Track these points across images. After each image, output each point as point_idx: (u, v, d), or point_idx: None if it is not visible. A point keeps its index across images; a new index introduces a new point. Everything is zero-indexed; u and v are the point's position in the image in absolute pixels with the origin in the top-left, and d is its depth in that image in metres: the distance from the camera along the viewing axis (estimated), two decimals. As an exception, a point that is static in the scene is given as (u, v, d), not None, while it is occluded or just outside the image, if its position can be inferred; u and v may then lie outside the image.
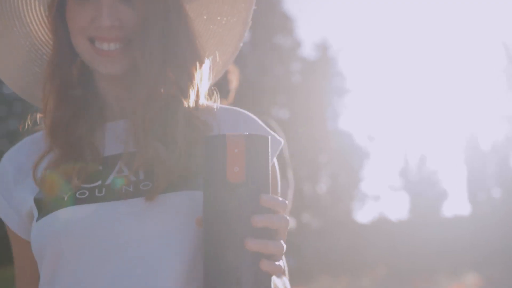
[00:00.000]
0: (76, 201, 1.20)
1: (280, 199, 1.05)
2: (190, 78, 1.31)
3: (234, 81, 2.34)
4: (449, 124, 41.44)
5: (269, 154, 1.02)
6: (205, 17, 1.41)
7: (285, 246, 1.06)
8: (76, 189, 1.22)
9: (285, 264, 1.56)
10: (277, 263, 1.04)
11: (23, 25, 1.37)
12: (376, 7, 46.67)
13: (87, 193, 1.22)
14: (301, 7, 44.41)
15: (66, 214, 1.19)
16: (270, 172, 1.03)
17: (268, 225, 1.02)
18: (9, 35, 1.37)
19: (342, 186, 27.19)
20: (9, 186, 1.32)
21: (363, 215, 34.91)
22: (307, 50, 29.12)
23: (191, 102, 1.30)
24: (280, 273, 1.07)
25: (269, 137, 1.04)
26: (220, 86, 2.30)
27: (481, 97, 41.04)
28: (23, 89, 1.41)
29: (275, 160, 1.29)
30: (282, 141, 1.25)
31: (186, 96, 1.29)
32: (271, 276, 1.03)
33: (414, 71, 45.46)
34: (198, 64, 1.33)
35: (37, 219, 1.23)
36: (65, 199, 1.21)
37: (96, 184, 1.23)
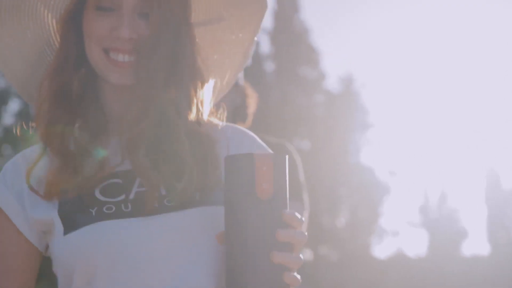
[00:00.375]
0: (104, 216, 1.23)
1: (299, 215, 1.10)
2: (190, 97, 1.33)
3: (252, 106, 2.35)
4: (471, 162, 41.24)
5: (287, 172, 1.09)
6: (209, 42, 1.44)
7: (302, 259, 1.11)
8: (101, 203, 1.25)
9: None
10: (298, 276, 1.09)
11: (37, 25, 1.39)
12: (402, 42, 46.76)
13: (114, 208, 1.24)
14: (327, 40, 44.59)
15: (97, 229, 1.22)
16: (288, 190, 1.09)
17: (290, 240, 1.07)
18: (21, 33, 1.38)
19: (361, 220, 27.09)
20: (23, 192, 1.33)
21: (381, 250, 34.77)
22: (332, 82, 29.23)
23: (192, 119, 1.32)
24: (297, 285, 1.09)
25: (287, 156, 1.09)
26: (238, 110, 2.35)
27: (504, 136, 40.83)
28: (24, 87, 1.42)
29: None
30: (287, 156, 1.28)
31: (185, 114, 1.31)
32: (289, 286, 1.08)
33: (438, 107, 45.40)
34: (199, 84, 1.35)
35: (65, 233, 1.25)
36: (93, 214, 1.23)
37: (120, 198, 1.25)
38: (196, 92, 1.34)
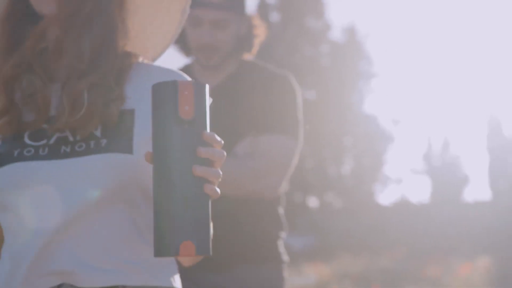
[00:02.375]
0: (22, 158, 1.32)
1: (218, 137, 1.20)
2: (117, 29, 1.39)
3: (260, 36, 2.43)
4: (473, 110, 41.56)
5: (208, 99, 1.21)
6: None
7: (221, 174, 1.20)
8: (25, 146, 1.33)
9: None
10: (216, 187, 1.19)
11: None
12: (407, -8, 46.63)
13: (33, 151, 1.33)
14: (331, -11, 44.52)
15: (9, 169, 1.32)
16: (208, 115, 1.21)
17: (209, 156, 1.17)
18: None
19: (365, 168, 27.54)
20: None
21: (385, 197, 35.28)
22: (337, 33, 29.36)
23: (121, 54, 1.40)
24: (216, 197, 1.20)
25: (207, 85, 1.21)
26: (243, 40, 2.36)
27: (506, 83, 41.07)
28: None
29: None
30: (207, 85, 1.35)
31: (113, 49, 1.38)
32: (210, 198, 1.19)
33: (440, 55, 45.53)
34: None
35: None
36: (15, 155, 1.33)
37: (41, 143, 1.33)
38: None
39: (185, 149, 1.16)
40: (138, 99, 1.38)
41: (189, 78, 1.40)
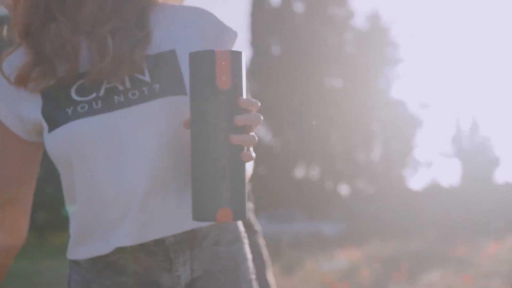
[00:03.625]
0: (78, 115, 1.32)
1: (254, 100, 1.22)
2: None
3: None
4: (503, 90, 41.32)
5: (244, 66, 1.22)
6: None
7: (256, 138, 1.22)
8: (76, 103, 1.33)
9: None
10: (253, 153, 1.22)
11: None
12: (430, -25, 46.46)
13: (86, 106, 1.32)
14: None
15: (71, 128, 1.31)
16: (245, 81, 1.23)
17: (246, 123, 1.20)
18: None
19: (395, 154, 27.62)
20: (12, 95, 1.38)
21: (416, 181, 35.25)
22: (360, 21, 29.38)
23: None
24: (251, 160, 1.23)
25: (243, 52, 1.22)
26: None
27: (535, 64, 40.74)
28: None
29: None
30: (237, 32, 1.44)
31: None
32: (246, 163, 1.24)
33: (466, 36, 45.31)
34: None
35: (49, 131, 1.34)
36: (69, 113, 1.32)
37: (92, 96, 1.33)
38: None
39: (222, 118, 1.18)
40: (174, 40, 1.37)
41: (218, 22, 1.39)
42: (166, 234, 1.36)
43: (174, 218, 1.36)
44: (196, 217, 1.22)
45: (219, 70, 1.18)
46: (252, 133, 1.23)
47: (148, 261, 1.37)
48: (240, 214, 1.22)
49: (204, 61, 1.19)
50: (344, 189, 27.57)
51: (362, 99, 26.56)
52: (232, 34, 1.41)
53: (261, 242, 2.44)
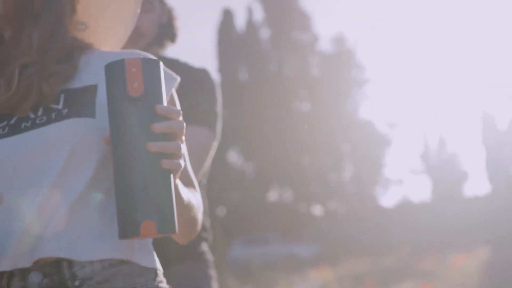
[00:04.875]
0: None
1: (175, 108, 1.16)
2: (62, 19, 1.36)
3: (178, 27, 2.33)
4: (466, 106, 41.99)
5: (162, 74, 1.17)
6: None
7: (182, 146, 1.16)
8: None
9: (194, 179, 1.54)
10: (176, 161, 1.14)
11: None
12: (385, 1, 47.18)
13: None
14: (316, 4, 45.19)
15: None
16: (164, 90, 1.17)
17: (166, 130, 1.13)
18: None
19: (365, 173, 27.97)
20: None
21: (387, 199, 35.66)
22: (325, 44, 29.88)
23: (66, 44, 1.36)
24: (179, 170, 1.15)
25: (161, 62, 1.18)
26: (164, 29, 2.27)
27: (496, 77, 41.55)
28: None
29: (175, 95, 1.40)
30: (178, 78, 1.38)
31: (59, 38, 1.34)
32: (171, 173, 1.15)
33: (431, 55, 46.05)
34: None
35: None
36: None
37: (2, 124, 1.29)
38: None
39: (139, 126, 1.14)
40: (101, 77, 1.31)
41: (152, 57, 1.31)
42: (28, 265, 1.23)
43: (47, 246, 1.22)
44: (120, 234, 1.15)
45: (130, 76, 1.15)
46: (176, 141, 1.16)
47: None
48: (166, 226, 1.14)
49: (115, 70, 1.16)
50: (317, 211, 27.87)
51: (331, 121, 26.94)
52: (171, 79, 1.36)
53: (212, 273, 2.32)
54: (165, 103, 1.17)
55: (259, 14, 29.00)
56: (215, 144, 2.28)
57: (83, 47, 1.38)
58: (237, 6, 45.15)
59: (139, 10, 1.45)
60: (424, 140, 30.27)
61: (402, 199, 28.38)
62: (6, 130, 1.27)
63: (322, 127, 26.48)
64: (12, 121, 1.28)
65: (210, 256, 2.32)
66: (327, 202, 27.57)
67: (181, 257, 2.24)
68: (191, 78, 2.27)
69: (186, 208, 1.30)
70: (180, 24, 2.32)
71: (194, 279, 2.25)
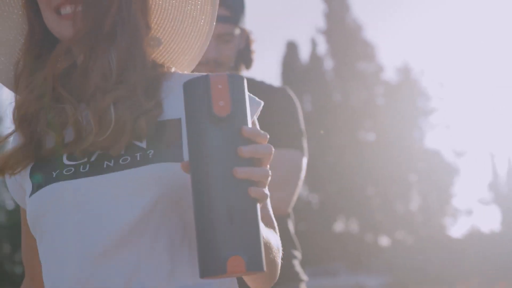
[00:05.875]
0: (62, 177, 1.21)
1: (262, 131, 1.06)
2: (138, 52, 1.27)
3: (255, 51, 2.32)
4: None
5: (247, 92, 1.07)
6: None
7: (270, 172, 1.06)
8: (64, 166, 1.22)
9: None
10: (263, 189, 1.04)
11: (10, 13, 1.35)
12: (453, 24, 46.80)
13: (73, 169, 1.21)
14: (380, 34, 45.18)
15: (51, 190, 1.20)
16: (249, 109, 1.07)
17: (253, 155, 1.03)
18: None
19: (433, 203, 27.66)
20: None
21: (456, 230, 35.10)
22: (390, 73, 29.77)
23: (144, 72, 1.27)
24: (265, 200, 1.05)
25: (245, 77, 1.08)
26: (242, 54, 2.26)
27: None
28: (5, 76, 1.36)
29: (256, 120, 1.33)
30: (262, 102, 1.30)
31: (137, 66, 1.26)
32: (258, 203, 1.04)
33: (496, 83, 45.42)
34: (142, 40, 1.28)
35: (30, 195, 1.24)
36: (54, 175, 1.21)
37: (82, 161, 1.21)
38: (140, 47, 1.27)
39: (224, 150, 1.02)
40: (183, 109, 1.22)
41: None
42: None
43: None
44: (203, 273, 1.02)
45: (215, 94, 1.03)
46: (264, 167, 1.06)
47: None
48: (255, 263, 1.01)
49: (197, 87, 1.05)
50: (384, 241, 27.64)
51: (397, 151, 26.76)
52: (255, 103, 1.29)
53: None
54: (250, 124, 1.07)
55: (322, 46, 29.15)
56: (305, 162, 2.26)
57: (164, 74, 1.31)
58: (301, 39, 45.48)
59: (214, 22, 1.36)
60: (492, 169, 29.72)
61: (471, 228, 27.90)
62: (87, 167, 1.21)
63: (388, 156, 26.32)
64: (93, 158, 1.22)
65: (304, 276, 2.27)
66: (394, 232, 27.30)
67: (278, 280, 2.16)
68: (273, 97, 2.24)
69: (266, 248, 1.18)
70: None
71: None
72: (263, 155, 1.05)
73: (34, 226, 1.25)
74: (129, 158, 1.20)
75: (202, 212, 1.03)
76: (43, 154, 1.25)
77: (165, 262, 1.19)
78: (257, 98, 1.30)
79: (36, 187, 1.24)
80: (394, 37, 46.95)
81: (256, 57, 2.35)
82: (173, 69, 1.35)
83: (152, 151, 1.20)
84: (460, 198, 34.08)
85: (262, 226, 1.06)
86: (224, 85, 1.04)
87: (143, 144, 1.21)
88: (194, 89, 1.05)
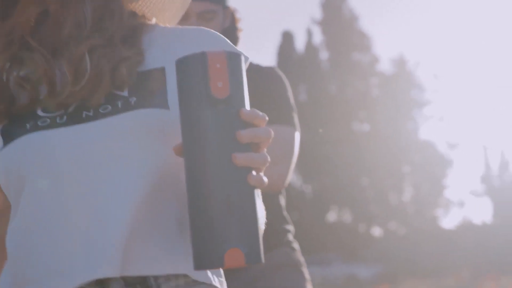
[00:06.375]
0: (36, 128, 1.13)
1: (261, 113, 1.00)
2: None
3: (241, 29, 2.29)
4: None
5: (244, 70, 1.00)
6: None
7: (268, 157, 1.01)
8: (38, 118, 1.15)
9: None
10: (262, 176, 0.99)
11: None
12: (449, 16, 46.90)
13: (48, 121, 1.14)
14: (376, 25, 45.26)
15: (25, 140, 1.13)
16: (247, 90, 1.00)
17: (253, 139, 0.97)
18: None
19: (426, 194, 27.82)
20: None
21: (448, 221, 35.31)
22: (385, 65, 29.86)
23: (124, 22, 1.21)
24: (263, 187, 0.99)
25: (242, 54, 1.02)
26: (227, 33, 2.22)
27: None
28: None
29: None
30: (249, 58, 1.23)
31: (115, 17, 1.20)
32: (255, 189, 0.98)
33: (491, 75, 45.58)
34: None
35: (1, 149, 1.16)
36: (27, 127, 1.14)
37: (58, 113, 1.14)
38: None
39: (222, 134, 0.96)
40: (167, 58, 1.19)
41: (225, 42, 1.20)
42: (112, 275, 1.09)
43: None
44: (198, 265, 0.97)
45: (214, 74, 0.96)
46: (263, 153, 1.00)
47: None
48: (254, 255, 0.96)
49: (193, 65, 0.97)
50: (377, 231, 27.82)
51: (391, 142, 26.89)
52: (244, 59, 1.21)
53: (302, 260, 2.27)
54: (248, 105, 1.00)
55: (318, 36, 29.23)
56: (298, 137, 2.25)
57: (145, 25, 1.24)
58: (296, 29, 45.66)
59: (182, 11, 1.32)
60: (485, 161, 29.91)
61: (463, 220, 28.12)
62: (64, 119, 1.14)
63: (382, 147, 26.46)
64: (71, 109, 1.14)
65: (297, 245, 2.26)
66: (387, 223, 27.48)
67: (270, 246, 2.16)
68: (262, 76, 2.25)
69: None
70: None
71: (286, 268, 2.19)
72: (262, 140, 1.00)
73: (7, 182, 1.16)
74: (109, 107, 1.13)
75: (198, 201, 0.97)
76: (15, 111, 1.17)
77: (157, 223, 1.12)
78: (244, 53, 1.21)
79: (7, 141, 1.16)
80: (390, 28, 47.09)
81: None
82: (154, 20, 1.29)
83: (135, 98, 1.13)
84: (453, 190, 34.31)
85: (259, 214, 1.00)
86: (222, 64, 0.97)
87: (125, 93, 1.14)
88: (189, 67, 0.98)
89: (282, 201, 2.30)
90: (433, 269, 17.45)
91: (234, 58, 0.98)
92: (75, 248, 1.09)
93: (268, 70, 2.29)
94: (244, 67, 1.00)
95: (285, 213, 2.30)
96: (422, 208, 27.70)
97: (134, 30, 1.21)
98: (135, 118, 1.10)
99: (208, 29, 1.23)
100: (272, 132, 1.01)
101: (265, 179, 0.99)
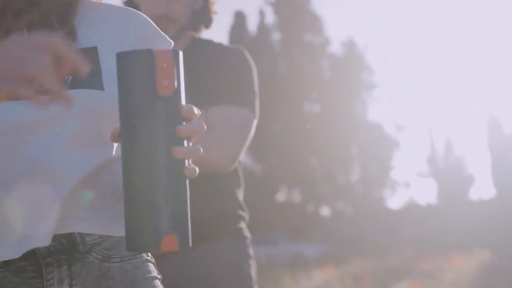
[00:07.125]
0: None
1: (195, 108, 1.04)
2: None
3: (214, 11, 2.26)
4: (473, 109, 42.17)
5: (182, 67, 1.03)
6: None
7: (201, 149, 1.05)
8: None
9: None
10: (196, 167, 1.04)
11: None
12: (396, 4, 47.34)
13: None
14: (328, 7, 45.53)
15: None
16: (183, 85, 1.04)
17: (190, 134, 1.02)
18: None
19: (373, 175, 28.29)
20: None
21: (394, 201, 35.91)
22: (336, 47, 30.11)
23: None
24: (194, 176, 1.04)
25: (181, 51, 1.04)
26: (199, 14, 2.20)
27: (503, 82, 41.74)
28: None
29: None
30: (172, 42, 1.29)
31: None
32: (188, 179, 1.03)
33: (437, 58, 46.28)
34: None
35: None
36: None
37: None
38: None
39: (164, 129, 1.00)
40: (97, 37, 1.21)
41: (153, 27, 1.25)
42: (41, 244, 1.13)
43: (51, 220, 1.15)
44: (132, 247, 1.02)
45: (160, 73, 0.99)
46: (197, 145, 1.05)
47: (14, 283, 1.16)
48: (185, 240, 1.02)
49: (139, 63, 0.99)
50: (325, 211, 28.21)
51: (341, 123, 27.20)
52: (167, 43, 1.27)
53: (251, 251, 2.28)
54: (184, 101, 1.04)
55: (270, 17, 29.33)
56: (255, 123, 2.24)
57: (79, 1, 1.25)
58: (249, 9, 45.68)
59: None
60: (431, 143, 30.49)
61: (409, 201, 28.68)
62: None
63: (331, 128, 26.77)
64: None
65: (248, 233, 2.27)
66: (335, 203, 27.88)
67: (220, 233, 2.19)
68: (227, 57, 2.24)
69: None
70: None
71: (233, 255, 2.20)
72: (197, 134, 1.05)
73: None
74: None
75: (137, 189, 1.01)
76: None
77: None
78: (168, 38, 1.29)
79: None
80: (341, 11, 47.42)
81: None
82: None
83: (70, 77, 1.15)
84: (399, 171, 34.82)
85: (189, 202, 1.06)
86: (169, 63, 1.01)
87: None
88: (135, 63, 1.00)
89: (239, 192, 2.29)
90: (379, 248, 17.83)
91: (178, 56, 1.02)
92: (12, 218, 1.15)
93: (236, 51, 2.28)
94: (182, 62, 1.04)
95: (240, 199, 2.29)
96: (370, 188, 28.14)
97: (67, 5, 1.23)
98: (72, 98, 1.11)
99: (137, 11, 1.27)
100: (205, 126, 1.06)
101: (197, 169, 1.05)
